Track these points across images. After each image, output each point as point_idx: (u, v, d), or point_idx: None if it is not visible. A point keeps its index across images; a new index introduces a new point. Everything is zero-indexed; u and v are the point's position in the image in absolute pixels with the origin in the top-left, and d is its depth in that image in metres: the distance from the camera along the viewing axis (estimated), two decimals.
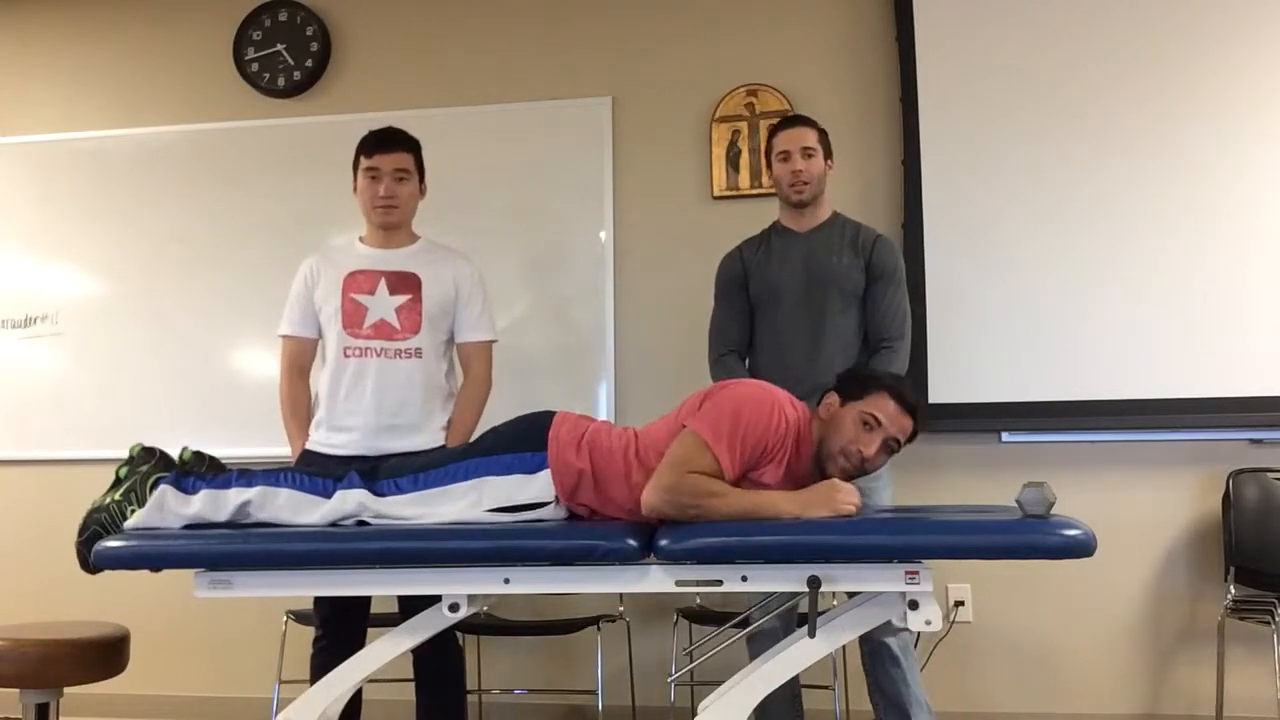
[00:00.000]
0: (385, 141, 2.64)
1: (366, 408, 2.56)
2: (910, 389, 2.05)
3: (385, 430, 2.55)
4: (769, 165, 2.80)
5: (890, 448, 2.02)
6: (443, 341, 2.68)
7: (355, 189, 2.70)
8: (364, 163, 2.65)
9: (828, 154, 2.77)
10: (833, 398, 2.05)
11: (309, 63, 3.90)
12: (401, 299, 2.61)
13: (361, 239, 2.73)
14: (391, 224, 2.67)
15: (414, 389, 2.58)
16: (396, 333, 2.59)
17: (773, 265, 2.74)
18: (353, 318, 2.59)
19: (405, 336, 2.59)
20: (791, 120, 2.79)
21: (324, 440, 2.59)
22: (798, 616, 2.50)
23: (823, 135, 2.76)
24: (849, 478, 2.00)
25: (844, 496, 1.87)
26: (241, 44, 3.95)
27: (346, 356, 2.59)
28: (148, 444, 2.11)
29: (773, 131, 2.80)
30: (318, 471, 2.06)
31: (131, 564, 1.88)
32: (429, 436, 2.59)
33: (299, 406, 2.67)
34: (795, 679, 2.67)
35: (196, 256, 3.86)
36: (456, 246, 2.81)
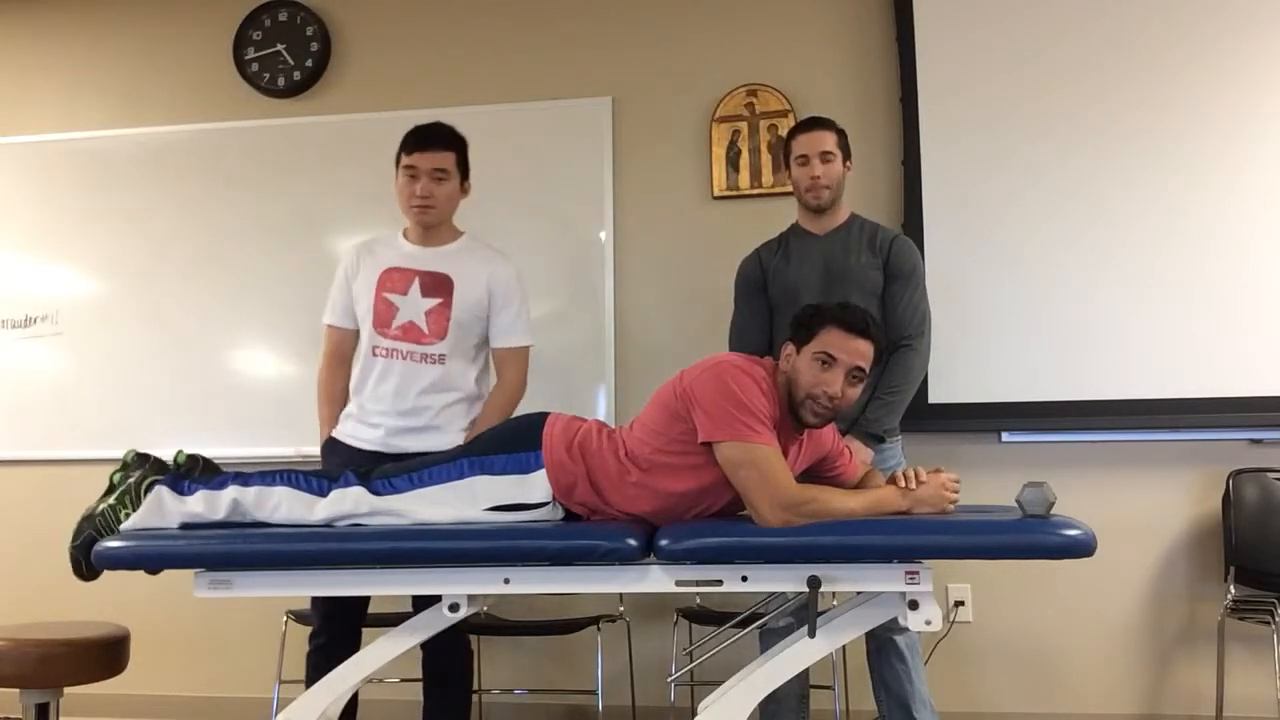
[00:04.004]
0: (425, 140, 2.59)
1: (389, 408, 2.56)
2: (859, 312, 2.01)
3: (405, 431, 2.56)
4: (787, 166, 2.79)
5: (855, 378, 1.99)
6: (473, 345, 2.65)
7: (396, 184, 2.65)
8: (403, 160, 2.60)
9: (846, 156, 2.75)
10: (789, 347, 2.04)
11: (309, 63, 3.90)
12: (432, 302, 2.59)
13: (405, 234, 2.70)
14: (428, 223, 2.64)
15: (434, 393, 2.57)
16: (424, 337, 2.57)
17: (791, 267, 2.74)
18: (383, 317, 2.59)
19: (431, 341, 2.57)
20: (810, 123, 2.75)
21: (351, 432, 2.60)
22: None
23: (841, 137, 2.74)
24: (825, 420, 2.01)
25: (950, 494, 1.90)
26: (241, 44, 3.95)
27: (375, 355, 2.59)
28: (141, 450, 2.11)
29: (791, 134, 2.77)
30: (313, 472, 2.07)
31: (131, 564, 1.88)
32: (450, 438, 2.57)
33: (335, 394, 2.68)
34: (804, 677, 2.68)
35: (196, 256, 3.87)
36: (498, 245, 2.77)
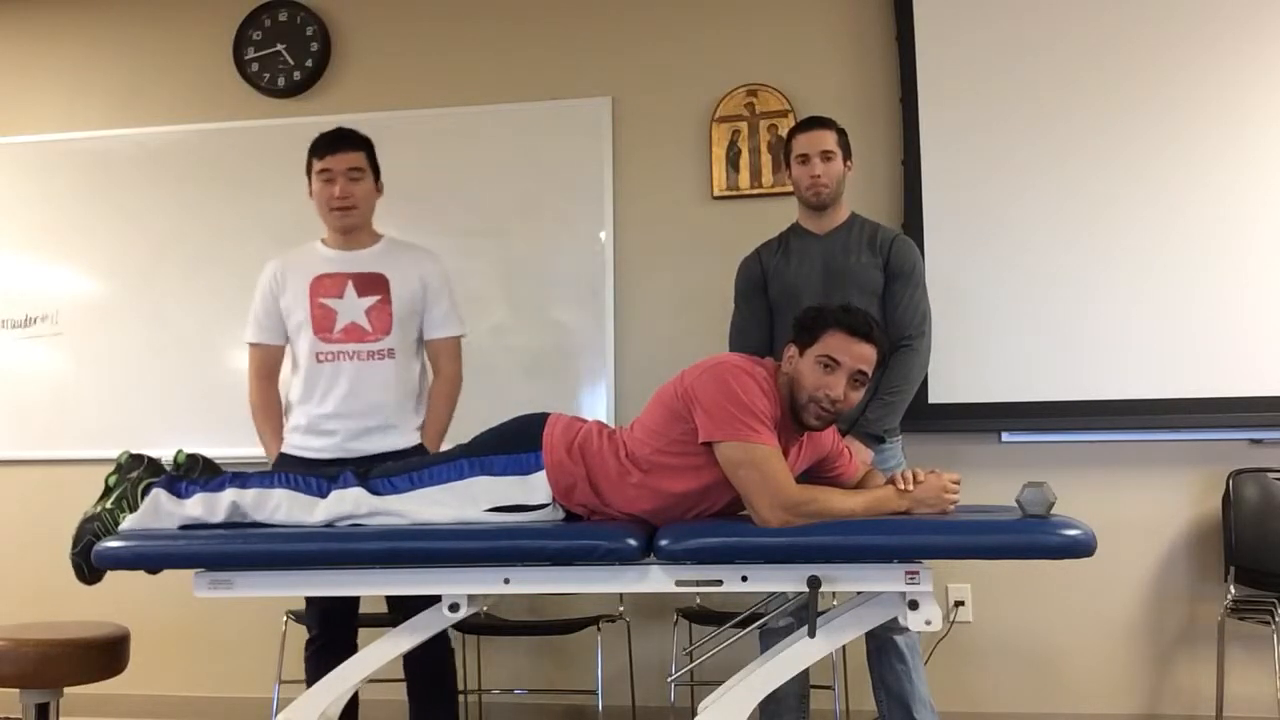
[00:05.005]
0: (336, 142, 2.60)
1: (343, 411, 2.55)
2: (862, 316, 2.00)
3: (363, 432, 2.55)
4: (788, 166, 2.79)
5: (858, 381, 1.99)
6: (413, 341, 2.67)
7: (310, 193, 2.66)
8: (316, 165, 2.60)
9: (847, 155, 2.75)
10: (791, 349, 2.04)
11: (309, 63, 3.90)
12: (371, 300, 2.59)
13: (323, 241, 2.69)
14: (350, 225, 2.63)
15: (389, 390, 2.58)
16: (368, 335, 2.58)
17: (791, 267, 2.74)
18: (323, 323, 2.58)
19: (377, 338, 2.58)
20: (810, 122, 2.75)
21: (301, 444, 2.58)
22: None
23: (842, 136, 2.74)
24: (827, 423, 2.02)
25: (950, 495, 1.90)
26: (241, 44, 3.95)
27: (320, 362, 2.57)
28: (135, 451, 2.10)
29: (792, 133, 2.78)
30: (311, 471, 2.06)
31: (131, 564, 1.88)
32: (406, 436, 2.60)
33: (272, 412, 2.67)
34: (804, 677, 2.68)
35: (196, 256, 3.87)
36: (422, 244, 2.78)
